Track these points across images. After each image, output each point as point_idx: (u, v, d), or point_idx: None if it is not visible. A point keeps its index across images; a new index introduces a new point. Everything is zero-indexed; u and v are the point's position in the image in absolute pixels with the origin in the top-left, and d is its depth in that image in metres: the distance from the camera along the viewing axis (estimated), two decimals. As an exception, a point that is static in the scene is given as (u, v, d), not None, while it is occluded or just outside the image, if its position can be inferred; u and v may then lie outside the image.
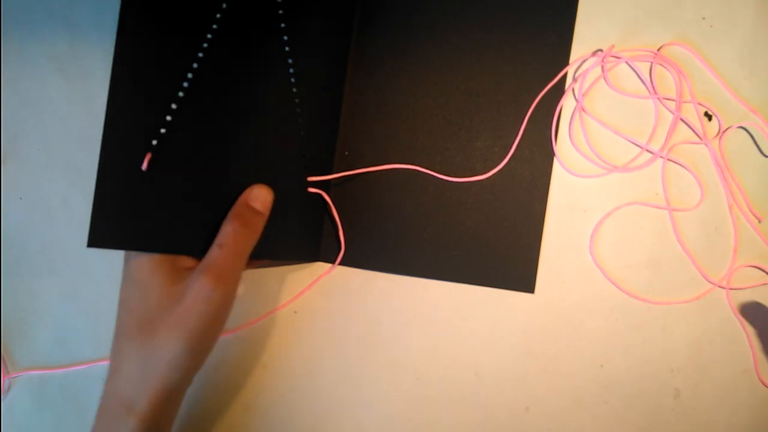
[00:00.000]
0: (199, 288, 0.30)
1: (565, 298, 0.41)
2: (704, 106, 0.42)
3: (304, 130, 0.37)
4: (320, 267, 0.41)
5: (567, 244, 0.41)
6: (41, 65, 0.41)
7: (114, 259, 0.41)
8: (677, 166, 0.42)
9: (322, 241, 0.40)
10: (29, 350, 0.41)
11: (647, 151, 0.42)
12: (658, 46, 0.42)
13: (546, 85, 0.41)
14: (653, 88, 0.42)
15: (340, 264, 0.41)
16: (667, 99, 0.42)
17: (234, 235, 0.31)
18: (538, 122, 0.41)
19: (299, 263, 0.41)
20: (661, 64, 0.42)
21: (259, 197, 0.33)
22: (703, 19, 0.42)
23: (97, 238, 0.30)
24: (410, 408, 0.41)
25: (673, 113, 0.42)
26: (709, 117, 0.42)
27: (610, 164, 0.42)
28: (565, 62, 0.41)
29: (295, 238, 0.38)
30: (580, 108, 0.41)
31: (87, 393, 0.41)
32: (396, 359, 0.41)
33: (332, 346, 0.41)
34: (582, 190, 0.42)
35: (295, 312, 0.41)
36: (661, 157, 0.42)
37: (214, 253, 0.31)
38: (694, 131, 0.42)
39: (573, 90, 0.41)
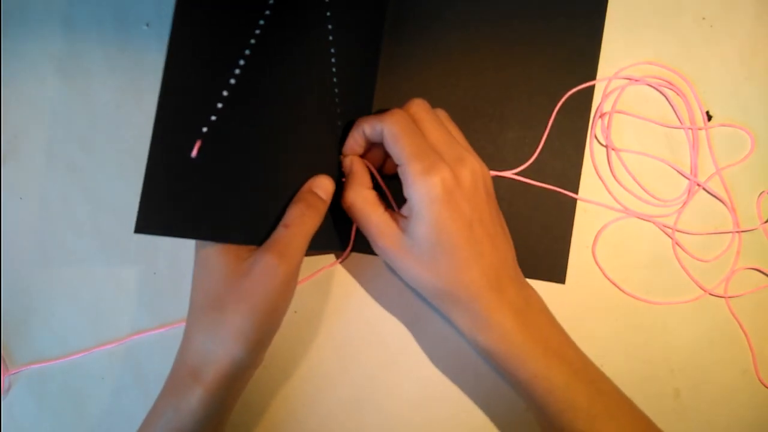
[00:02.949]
0: (264, 264, 0.31)
1: (565, 298, 0.41)
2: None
3: (341, 120, 0.37)
4: (328, 258, 0.42)
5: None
6: (41, 65, 0.41)
7: (113, 259, 0.41)
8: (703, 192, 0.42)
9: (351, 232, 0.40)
10: (29, 351, 0.41)
11: (685, 176, 0.42)
12: (657, 52, 0.42)
13: (576, 75, 0.41)
14: (678, 117, 0.42)
15: (360, 252, 0.41)
16: (673, 127, 0.42)
17: (300, 216, 0.33)
18: (569, 114, 0.41)
19: (327, 253, 0.41)
20: (670, 89, 0.42)
21: (322, 186, 0.35)
22: (703, 19, 0.42)
23: (145, 224, 0.30)
24: (410, 408, 0.41)
25: (690, 140, 0.42)
26: (710, 117, 0.42)
27: (627, 206, 0.42)
28: (596, 54, 0.41)
29: (328, 227, 0.37)
30: (609, 149, 0.41)
31: (87, 392, 0.41)
32: (396, 359, 0.41)
33: (332, 346, 0.41)
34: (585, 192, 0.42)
35: (295, 312, 0.41)
36: (698, 184, 0.42)
37: (280, 232, 0.33)
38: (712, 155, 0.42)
39: (596, 134, 0.41)
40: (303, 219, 0.33)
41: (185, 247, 0.41)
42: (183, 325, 0.41)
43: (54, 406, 0.41)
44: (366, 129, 0.35)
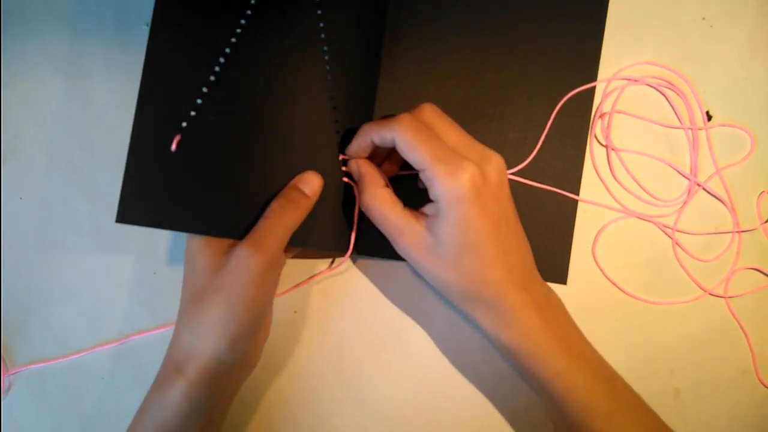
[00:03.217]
0: (238, 255, 0.32)
1: (565, 298, 0.41)
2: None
3: (337, 118, 0.37)
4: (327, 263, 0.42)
5: (567, 244, 0.41)
6: (41, 65, 0.41)
7: (113, 259, 0.41)
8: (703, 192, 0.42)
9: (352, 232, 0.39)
10: (29, 351, 0.41)
11: (685, 176, 0.42)
12: (657, 52, 0.42)
13: (576, 75, 0.41)
14: (678, 117, 0.42)
15: (360, 254, 0.40)
16: (674, 127, 0.42)
17: (279, 209, 0.33)
18: (569, 114, 0.41)
19: (328, 254, 0.41)
20: (670, 89, 0.42)
21: (309, 182, 0.35)
22: (703, 19, 0.42)
23: (125, 214, 0.32)
24: (411, 408, 0.41)
25: (689, 140, 0.42)
26: (710, 117, 0.42)
27: (630, 206, 0.42)
28: (596, 54, 0.41)
29: (327, 227, 0.37)
30: (609, 149, 0.41)
31: (87, 392, 0.41)
32: (396, 359, 0.41)
33: (332, 346, 0.41)
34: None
35: (295, 312, 0.41)
36: (698, 184, 0.42)
37: (258, 224, 0.33)
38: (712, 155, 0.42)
39: (596, 133, 0.41)
40: (282, 212, 0.33)
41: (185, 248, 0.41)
42: (183, 325, 0.41)
43: (54, 406, 0.41)
44: (374, 138, 0.34)
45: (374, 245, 0.38)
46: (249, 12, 0.34)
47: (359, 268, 0.42)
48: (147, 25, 0.42)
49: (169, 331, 0.41)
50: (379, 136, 0.34)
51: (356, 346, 0.41)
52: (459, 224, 0.32)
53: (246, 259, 0.32)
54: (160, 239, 0.41)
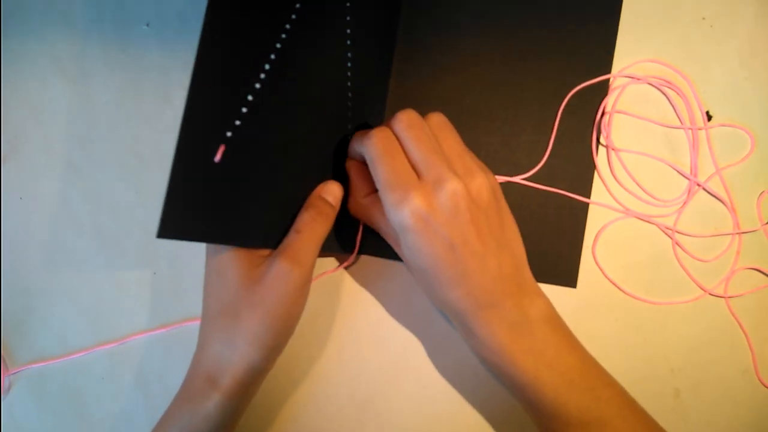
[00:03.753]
0: (277, 269, 0.32)
1: (566, 298, 0.41)
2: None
3: (351, 124, 0.38)
4: (331, 261, 0.42)
5: (567, 244, 0.41)
6: (41, 65, 0.41)
7: (113, 259, 0.41)
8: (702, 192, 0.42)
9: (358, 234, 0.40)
10: (29, 351, 0.41)
11: (685, 176, 0.42)
12: (659, 52, 0.42)
13: (589, 79, 0.41)
14: (678, 117, 0.42)
15: (367, 254, 0.41)
16: (674, 127, 0.42)
17: (311, 222, 0.34)
18: (581, 118, 0.41)
19: (333, 256, 0.41)
20: (669, 88, 0.42)
21: (332, 192, 0.35)
22: (703, 19, 0.42)
23: (168, 229, 0.30)
24: (411, 408, 0.41)
25: (689, 140, 0.42)
26: (710, 117, 0.42)
27: (633, 207, 0.42)
28: (609, 58, 0.41)
29: (335, 229, 0.37)
30: (610, 149, 0.41)
31: (87, 392, 0.41)
32: (397, 359, 0.41)
33: (332, 345, 0.41)
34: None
35: (295, 312, 0.41)
36: (698, 184, 0.42)
37: (292, 237, 0.33)
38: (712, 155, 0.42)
39: (600, 130, 0.41)
40: (314, 225, 0.33)
41: (185, 248, 0.41)
42: (183, 325, 0.41)
43: (54, 406, 0.41)
44: (356, 147, 0.35)
45: (378, 246, 0.38)
46: (294, 16, 0.34)
47: (360, 268, 0.42)
48: (147, 25, 0.42)
49: (169, 330, 0.41)
50: (358, 147, 0.35)
51: (356, 346, 0.41)
52: (409, 250, 0.32)
53: (286, 274, 0.32)
54: (160, 239, 0.41)
